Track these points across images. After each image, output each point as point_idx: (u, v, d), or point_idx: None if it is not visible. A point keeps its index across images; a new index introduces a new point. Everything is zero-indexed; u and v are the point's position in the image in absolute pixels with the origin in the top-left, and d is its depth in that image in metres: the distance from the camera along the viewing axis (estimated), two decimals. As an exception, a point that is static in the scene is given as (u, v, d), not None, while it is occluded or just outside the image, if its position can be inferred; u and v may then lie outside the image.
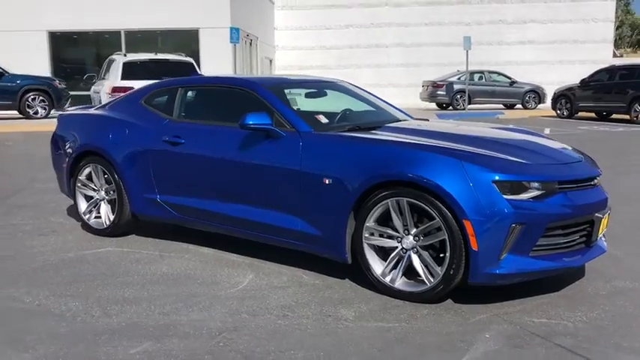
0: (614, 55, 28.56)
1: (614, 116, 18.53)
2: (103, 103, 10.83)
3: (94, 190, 5.04)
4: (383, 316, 3.30)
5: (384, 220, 3.53)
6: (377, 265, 3.56)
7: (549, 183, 3.33)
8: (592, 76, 18.53)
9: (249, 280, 3.88)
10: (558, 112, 19.43)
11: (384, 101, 5.21)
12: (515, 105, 23.22)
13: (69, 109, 5.80)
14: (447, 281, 3.30)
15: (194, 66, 11.24)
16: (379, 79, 25.80)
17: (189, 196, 4.42)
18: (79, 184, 5.08)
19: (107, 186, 4.92)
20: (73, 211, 5.89)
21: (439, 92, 22.06)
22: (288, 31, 26.53)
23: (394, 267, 3.52)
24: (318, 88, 4.89)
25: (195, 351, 2.90)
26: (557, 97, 19.60)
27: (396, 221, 3.45)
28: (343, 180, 3.60)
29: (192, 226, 4.63)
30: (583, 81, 18.64)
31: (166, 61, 11.03)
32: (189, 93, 4.70)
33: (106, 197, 4.96)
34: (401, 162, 3.40)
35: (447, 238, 3.26)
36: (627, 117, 17.05)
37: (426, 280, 3.39)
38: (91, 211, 5.07)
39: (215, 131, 4.34)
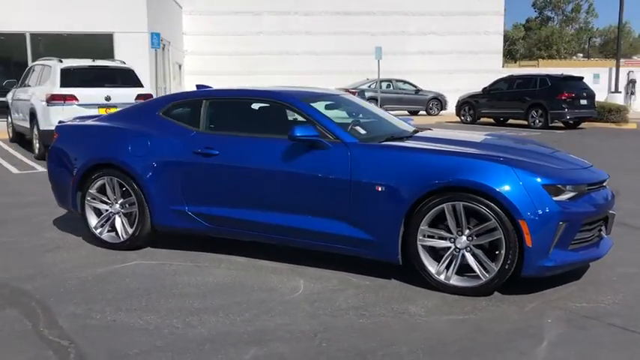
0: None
1: (510, 121, 20.24)
2: (38, 111, 10.28)
3: (106, 203, 4.93)
4: (449, 309, 3.65)
5: (434, 222, 3.89)
6: (431, 265, 3.91)
7: (580, 185, 3.87)
8: (492, 85, 20.15)
9: (303, 285, 4.06)
10: (462, 117, 20.87)
11: (384, 112, 5.58)
12: (419, 111, 24.58)
13: (66, 121, 5.58)
14: (501, 275, 3.72)
15: (135, 73, 10.92)
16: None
17: (225, 206, 4.50)
18: (89, 198, 4.95)
19: (123, 199, 4.85)
20: (62, 225, 5.71)
21: (352, 99, 22.79)
22: (197, 36, 26.18)
23: (447, 265, 3.87)
24: (335, 100, 5.15)
25: (305, 352, 3.07)
26: (461, 104, 21.06)
27: (451, 223, 3.82)
28: (397, 187, 3.91)
29: (223, 236, 4.70)
30: (485, 89, 20.21)
31: (106, 67, 10.59)
32: (216, 105, 4.77)
33: (122, 210, 4.88)
34: (458, 170, 3.77)
35: (502, 236, 3.67)
36: (525, 122, 18.73)
37: (481, 275, 3.78)
38: (102, 225, 4.96)
39: (252, 143, 4.47)
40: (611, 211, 4.12)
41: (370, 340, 3.21)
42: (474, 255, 3.81)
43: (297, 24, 26.25)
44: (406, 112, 24.37)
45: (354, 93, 22.95)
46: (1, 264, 4.56)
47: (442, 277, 3.88)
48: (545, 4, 79.50)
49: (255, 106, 4.75)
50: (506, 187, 3.66)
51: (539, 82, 18.47)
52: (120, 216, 4.90)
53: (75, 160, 5.02)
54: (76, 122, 5.43)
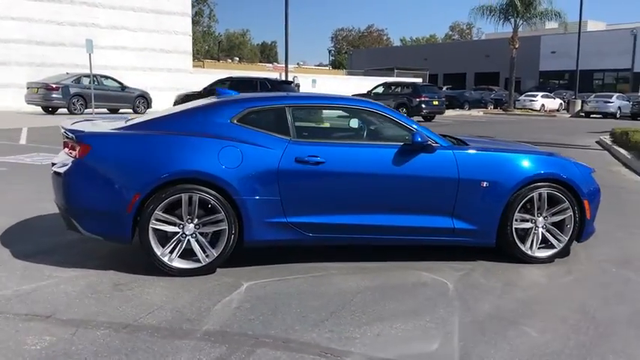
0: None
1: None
2: None
3: (175, 224, 4.24)
4: (556, 273, 4.68)
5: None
6: (521, 243, 4.85)
7: (593, 172, 5.36)
8: (212, 85, 21.01)
9: (441, 277, 4.48)
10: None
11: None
12: (119, 109, 23.60)
13: (84, 130, 4.28)
14: (569, 244, 4.94)
15: None
16: (-42, 78, 21.76)
17: (333, 213, 4.49)
18: (153, 221, 4.17)
19: (199, 219, 4.27)
20: (51, 261, 4.55)
21: (54, 95, 20.51)
22: None
23: (532, 242, 4.89)
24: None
25: (549, 320, 3.71)
26: (177, 103, 21.25)
27: (535, 207, 4.84)
28: (499, 182, 4.71)
29: (322, 243, 4.66)
30: (205, 89, 20.87)
31: None
32: (303, 113, 4.62)
33: (197, 230, 4.29)
34: (542, 165, 4.82)
35: (572, 213, 4.88)
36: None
37: (556, 245, 4.92)
38: (172, 251, 4.25)
39: (357, 149, 4.58)
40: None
41: (562, 302, 4.05)
42: (548, 231, 4.93)
43: (-36, 3, 21.94)
44: (108, 110, 23.12)
45: (55, 88, 20.76)
46: (101, 310, 3.58)
47: (530, 252, 4.87)
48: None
49: (349, 114, 4.83)
50: (576, 177, 4.89)
51: (260, 84, 20.20)
52: (195, 237, 4.29)
53: (129, 178, 4.15)
54: (116, 132, 4.35)
